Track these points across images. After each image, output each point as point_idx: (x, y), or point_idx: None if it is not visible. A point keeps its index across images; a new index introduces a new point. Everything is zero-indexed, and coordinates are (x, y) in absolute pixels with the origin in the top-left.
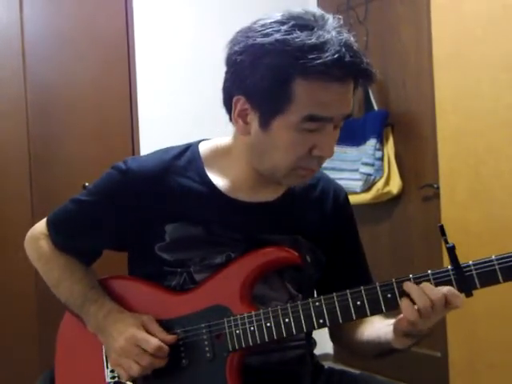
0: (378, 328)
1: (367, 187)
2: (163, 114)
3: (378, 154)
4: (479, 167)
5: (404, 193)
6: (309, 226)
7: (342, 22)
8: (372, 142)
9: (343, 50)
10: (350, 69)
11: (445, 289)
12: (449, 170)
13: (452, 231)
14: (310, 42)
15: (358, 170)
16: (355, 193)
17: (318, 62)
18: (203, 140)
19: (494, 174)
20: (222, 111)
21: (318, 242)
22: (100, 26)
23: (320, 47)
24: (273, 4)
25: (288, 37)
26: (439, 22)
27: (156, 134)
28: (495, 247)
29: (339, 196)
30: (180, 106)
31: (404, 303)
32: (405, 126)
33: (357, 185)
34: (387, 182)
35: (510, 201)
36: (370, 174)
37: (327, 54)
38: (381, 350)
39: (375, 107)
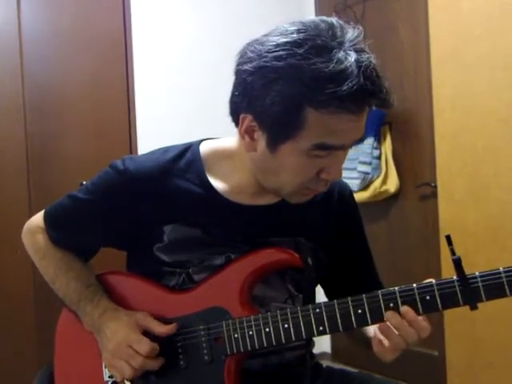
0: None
1: (365, 186)
2: (161, 112)
3: (376, 152)
4: (477, 166)
5: (401, 191)
6: (311, 228)
7: (362, 33)
8: (369, 141)
9: (362, 79)
10: (367, 99)
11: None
12: (446, 169)
13: (450, 230)
14: (327, 70)
15: (355, 169)
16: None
17: (335, 95)
18: (204, 140)
19: (492, 173)
20: (220, 110)
21: (321, 244)
22: (98, 25)
23: (338, 77)
24: (272, 4)
25: (303, 62)
26: (437, 20)
27: (154, 132)
28: (493, 246)
29: (344, 195)
30: (178, 105)
31: (375, 340)
32: (402, 125)
33: (354, 183)
34: (385, 181)
35: (508, 199)
36: (367, 173)
37: (345, 88)
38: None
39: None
